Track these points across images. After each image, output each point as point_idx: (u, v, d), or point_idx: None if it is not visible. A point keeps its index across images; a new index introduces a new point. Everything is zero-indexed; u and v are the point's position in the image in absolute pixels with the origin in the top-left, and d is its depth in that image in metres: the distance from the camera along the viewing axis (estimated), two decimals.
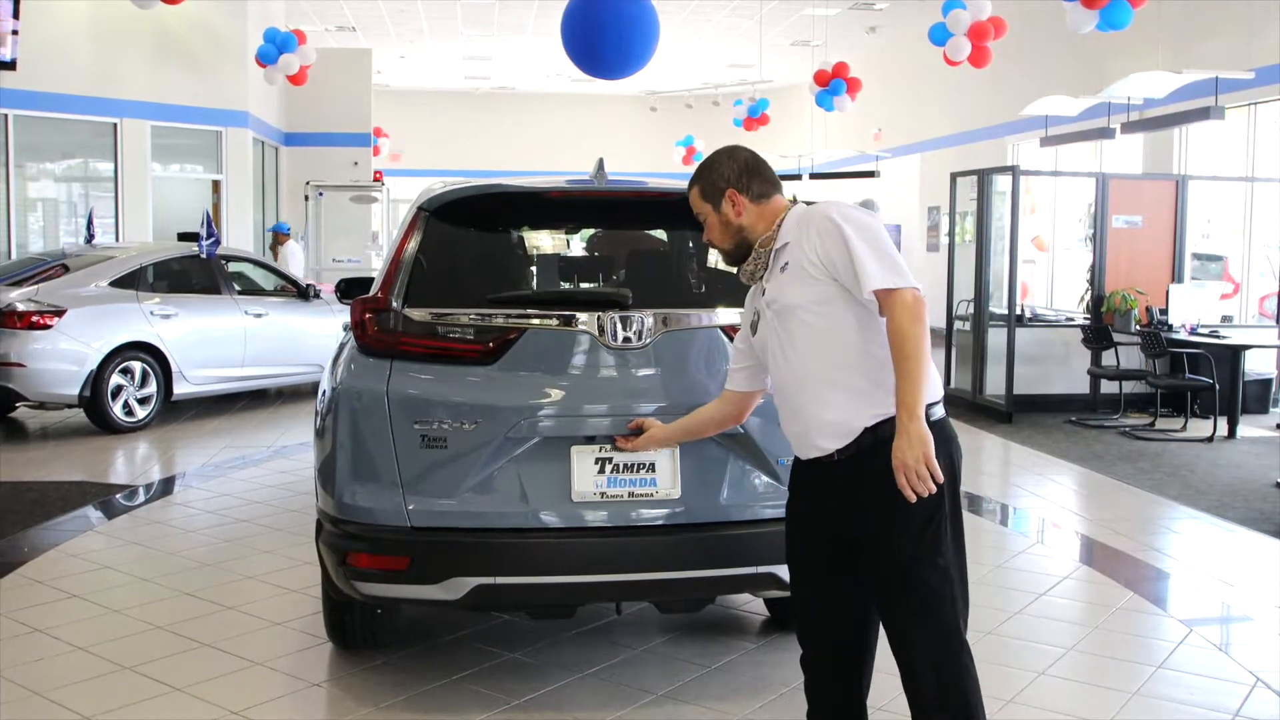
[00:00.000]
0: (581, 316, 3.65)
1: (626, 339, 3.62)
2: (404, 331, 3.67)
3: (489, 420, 3.54)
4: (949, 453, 2.74)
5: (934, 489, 2.59)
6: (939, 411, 2.76)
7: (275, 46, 14.76)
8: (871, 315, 2.72)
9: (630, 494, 3.56)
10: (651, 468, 3.57)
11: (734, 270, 3.12)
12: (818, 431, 2.78)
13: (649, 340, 3.64)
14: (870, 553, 2.74)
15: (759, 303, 2.96)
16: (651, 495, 3.57)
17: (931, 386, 2.70)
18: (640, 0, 8.76)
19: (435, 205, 3.95)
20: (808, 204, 2.97)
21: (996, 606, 4.90)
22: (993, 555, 5.75)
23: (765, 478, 3.66)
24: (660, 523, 3.59)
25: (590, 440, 3.59)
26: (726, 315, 3.71)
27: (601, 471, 3.55)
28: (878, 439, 2.69)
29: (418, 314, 3.67)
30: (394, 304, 3.76)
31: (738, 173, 2.97)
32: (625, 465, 3.56)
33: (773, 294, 2.87)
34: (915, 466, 2.57)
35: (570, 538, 3.58)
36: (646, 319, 3.64)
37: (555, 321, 3.66)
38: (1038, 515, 6.86)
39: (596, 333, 3.62)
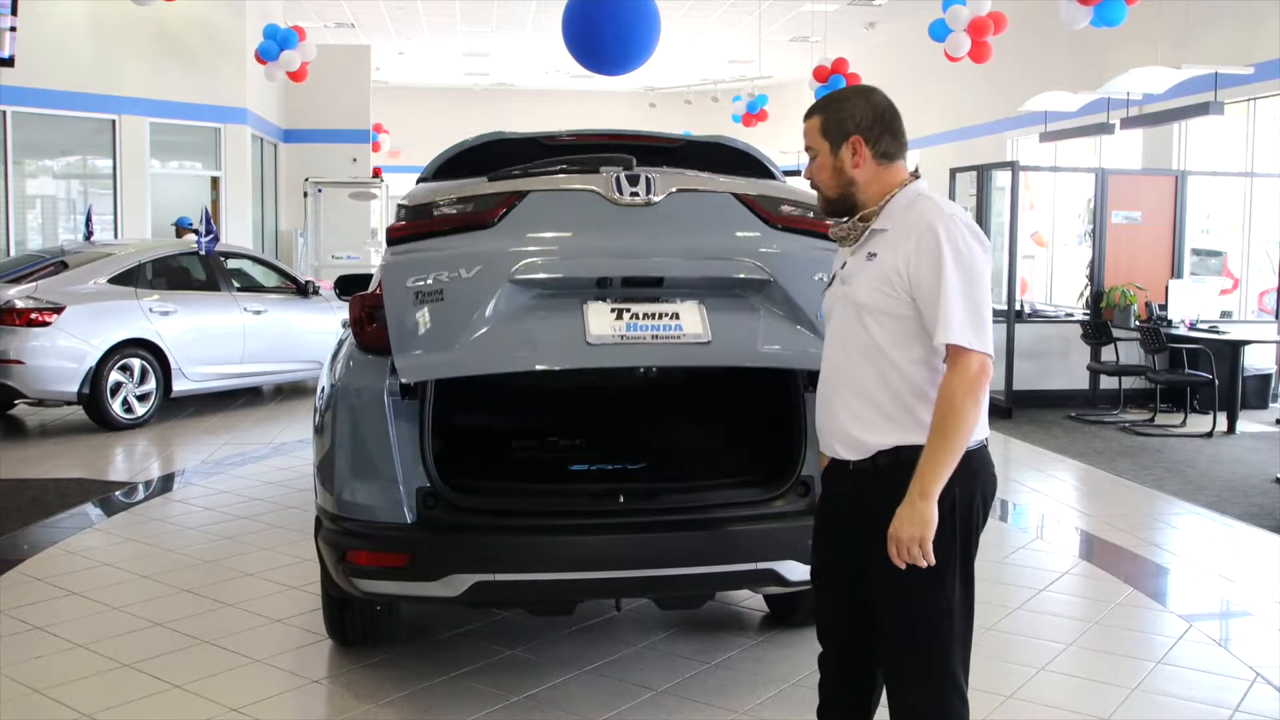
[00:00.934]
0: (586, 177, 3.53)
1: (634, 193, 3.52)
2: (399, 219, 3.59)
3: (490, 265, 3.39)
4: (972, 489, 2.55)
5: (922, 565, 2.43)
6: (974, 442, 2.57)
7: (276, 43, 14.74)
8: (935, 352, 2.51)
9: (654, 336, 3.39)
10: (675, 316, 3.45)
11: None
12: (836, 436, 2.63)
13: (658, 198, 3.55)
14: (873, 574, 2.57)
15: (838, 268, 2.72)
16: (678, 338, 3.42)
17: (979, 430, 2.55)
18: None
19: (434, 168, 3.96)
20: (920, 185, 2.65)
21: (996, 602, 4.90)
22: (992, 551, 5.75)
23: (801, 328, 3.54)
24: (691, 364, 3.46)
25: (603, 289, 3.44)
26: (744, 187, 3.61)
27: (620, 318, 3.42)
28: (896, 461, 2.51)
29: (410, 199, 3.58)
30: None
31: (871, 120, 2.60)
32: (645, 314, 3.43)
33: (851, 273, 2.63)
34: (909, 545, 2.42)
35: (570, 534, 3.57)
36: (654, 176, 3.56)
37: (560, 183, 3.55)
38: (1037, 511, 6.86)
39: (603, 191, 3.53)
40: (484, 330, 3.37)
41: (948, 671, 2.54)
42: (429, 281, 3.37)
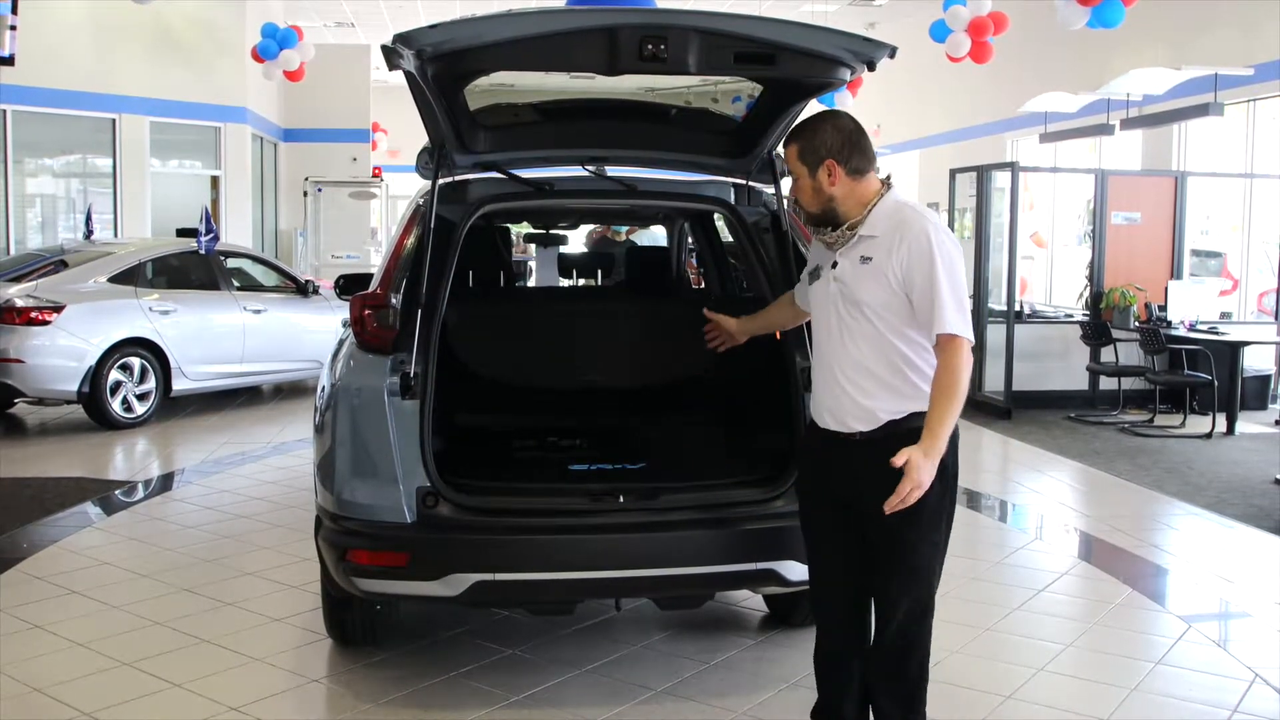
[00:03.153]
0: None
1: None
2: None
3: None
4: (956, 450, 2.99)
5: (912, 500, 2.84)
6: None
7: (275, 42, 14.73)
8: (920, 332, 2.95)
9: None
10: None
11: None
12: (849, 412, 3.02)
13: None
14: (873, 520, 2.95)
15: (826, 269, 3.08)
16: None
17: None
18: None
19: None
20: (895, 194, 3.04)
21: (995, 602, 4.90)
22: (992, 551, 5.75)
23: None
24: None
25: None
26: None
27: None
28: (898, 430, 2.95)
29: None
30: (393, 300, 3.76)
31: (840, 144, 2.99)
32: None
33: (845, 276, 3.01)
34: (920, 488, 2.81)
35: (570, 534, 3.58)
36: None
37: None
38: (1036, 511, 6.86)
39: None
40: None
41: (931, 593, 3.07)
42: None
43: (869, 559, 3.07)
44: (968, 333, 2.88)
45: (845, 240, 3.01)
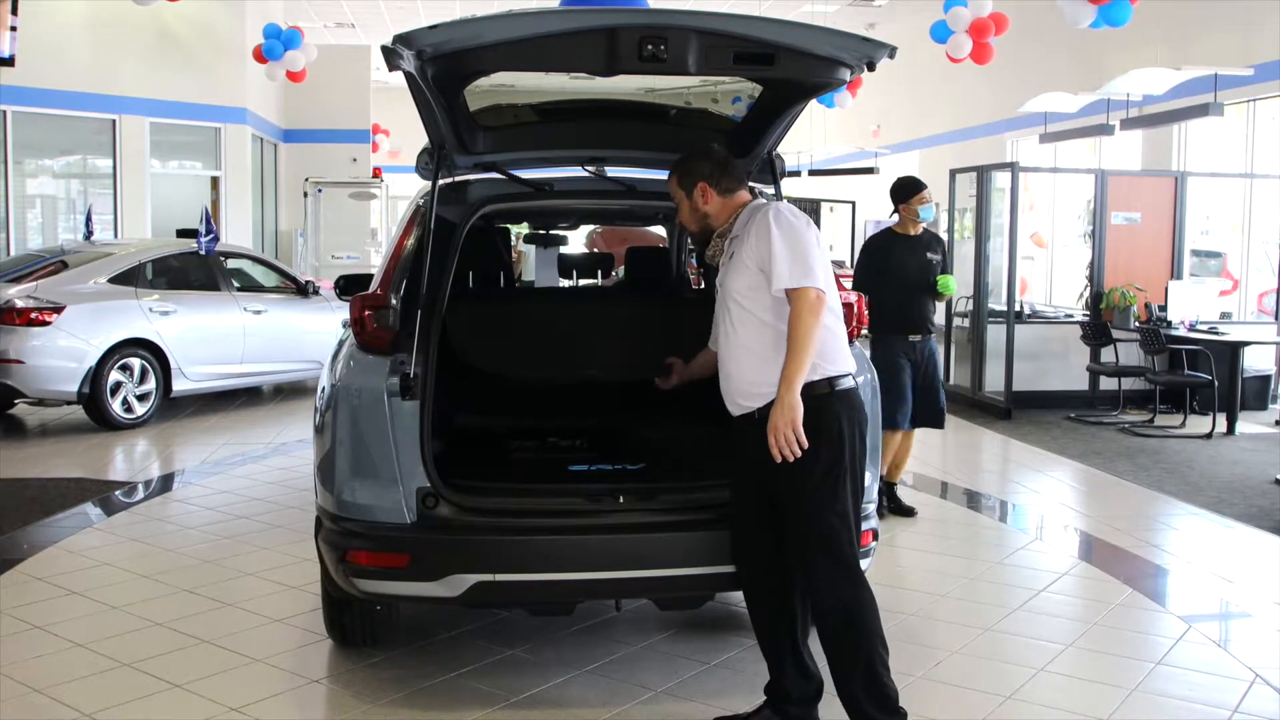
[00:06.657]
0: None
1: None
2: None
3: None
4: (852, 418, 3.30)
5: (798, 453, 3.14)
6: (848, 383, 3.33)
7: (280, 42, 14.73)
8: (786, 304, 3.26)
9: None
10: None
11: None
12: (738, 391, 3.36)
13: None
14: (779, 492, 3.29)
15: (718, 281, 3.49)
16: None
17: (842, 363, 3.31)
18: None
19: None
20: (766, 195, 3.59)
21: (995, 603, 4.90)
22: (992, 552, 5.75)
23: None
24: None
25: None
26: None
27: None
28: None
29: None
30: (393, 301, 3.77)
31: (710, 169, 3.49)
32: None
33: (722, 277, 3.43)
34: (784, 430, 3.13)
35: (570, 535, 3.58)
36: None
37: None
38: (1037, 512, 6.86)
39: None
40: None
41: (855, 565, 3.31)
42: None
43: (785, 532, 3.34)
44: (809, 281, 3.18)
45: (721, 249, 3.48)
